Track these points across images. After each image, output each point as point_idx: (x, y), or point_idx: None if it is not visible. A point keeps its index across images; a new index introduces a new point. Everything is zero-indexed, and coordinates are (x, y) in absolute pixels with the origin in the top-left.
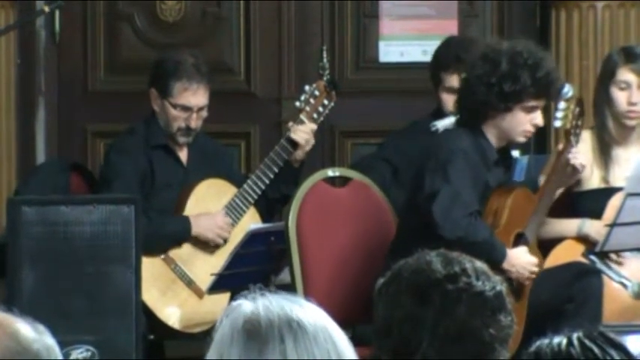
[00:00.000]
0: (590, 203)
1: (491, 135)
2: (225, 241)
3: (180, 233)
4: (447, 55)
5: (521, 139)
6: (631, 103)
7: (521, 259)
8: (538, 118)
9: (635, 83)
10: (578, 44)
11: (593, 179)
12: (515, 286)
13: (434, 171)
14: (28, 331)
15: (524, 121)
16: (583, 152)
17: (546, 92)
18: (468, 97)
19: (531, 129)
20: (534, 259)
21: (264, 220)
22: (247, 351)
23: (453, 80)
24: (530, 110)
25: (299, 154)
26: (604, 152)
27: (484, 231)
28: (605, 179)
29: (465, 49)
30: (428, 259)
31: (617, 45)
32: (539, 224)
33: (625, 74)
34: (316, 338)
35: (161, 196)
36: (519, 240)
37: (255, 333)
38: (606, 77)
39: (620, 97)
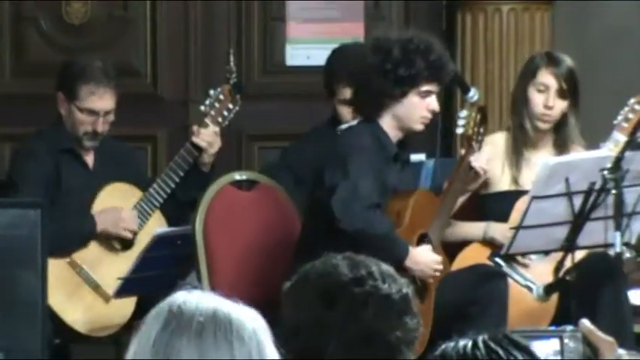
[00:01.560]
0: (498, 206)
1: (389, 127)
2: (135, 236)
3: (86, 232)
4: (340, 69)
5: (419, 127)
6: (547, 107)
7: (424, 257)
8: (433, 103)
9: (554, 87)
10: (484, 47)
11: (503, 180)
12: (420, 285)
13: (333, 167)
14: None
15: (421, 107)
16: (492, 155)
17: (439, 76)
18: (363, 89)
19: (428, 114)
20: (438, 257)
21: (173, 224)
22: (166, 326)
23: (347, 93)
24: (425, 95)
25: (205, 157)
26: (517, 153)
27: (384, 224)
28: (516, 180)
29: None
30: (334, 263)
31: (523, 48)
32: (442, 226)
33: (545, 77)
34: (240, 332)
35: (66, 200)
36: (423, 240)
37: (179, 314)
38: (527, 77)
39: (536, 98)
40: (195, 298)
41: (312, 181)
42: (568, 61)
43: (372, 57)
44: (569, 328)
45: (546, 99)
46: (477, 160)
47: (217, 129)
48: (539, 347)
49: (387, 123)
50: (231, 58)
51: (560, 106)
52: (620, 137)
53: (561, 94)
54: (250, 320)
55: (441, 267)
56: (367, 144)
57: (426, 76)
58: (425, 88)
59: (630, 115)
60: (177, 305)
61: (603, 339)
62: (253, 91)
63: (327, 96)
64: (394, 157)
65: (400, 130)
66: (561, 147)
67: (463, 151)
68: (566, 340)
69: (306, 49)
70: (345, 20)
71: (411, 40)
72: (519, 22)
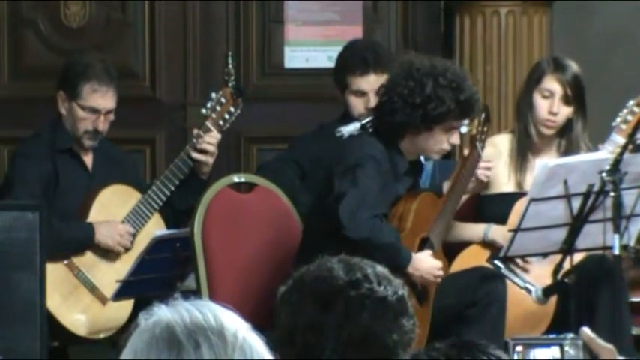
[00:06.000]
0: (497, 207)
1: (406, 150)
2: (127, 249)
3: (83, 240)
4: (353, 58)
5: (436, 157)
6: (551, 113)
7: (425, 263)
8: (456, 137)
9: (559, 93)
10: (482, 50)
11: (508, 183)
12: (420, 289)
13: (343, 174)
14: None
15: (443, 141)
16: (493, 156)
17: (469, 114)
18: (389, 115)
19: (448, 148)
20: (438, 263)
21: (171, 229)
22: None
23: (361, 83)
24: (450, 130)
25: (208, 160)
26: (521, 157)
27: (390, 234)
28: (520, 185)
29: (371, 51)
30: (329, 266)
31: (521, 50)
32: (444, 229)
33: (551, 83)
34: (234, 348)
35: (65, 200)
36: (424, 244)
37: (170, 341)
38: (532, 83)
39: (541, 104)
40: (179, 317)
41: (317, 181)
42: (574, 67)
43: (403, 85)
44: (570, 335)
45: (551, 105)
46: (485, 167)
47: (219, 136)
48: (539, 354)
49: (405, 146)
50: (230, 61)
51: (564, 112)
52: (618, 139)
53: (566, 100)
54: (238, 329)
55: (441, 273)
56: (378, 156)
57: (455, 114)
58: (452, 124)
59: (629, 117)
60: (168, 331)
61: (603, 346)
62: (252, 93)
63: (339, 92)
64: (405, 172)
65: (415, 155)
66: (565, 152)
67: (466, 151)
68: (566, 348)
69: (305, 51)
70: (343, 23)
71: (444, 74)
72: (517, 24)
